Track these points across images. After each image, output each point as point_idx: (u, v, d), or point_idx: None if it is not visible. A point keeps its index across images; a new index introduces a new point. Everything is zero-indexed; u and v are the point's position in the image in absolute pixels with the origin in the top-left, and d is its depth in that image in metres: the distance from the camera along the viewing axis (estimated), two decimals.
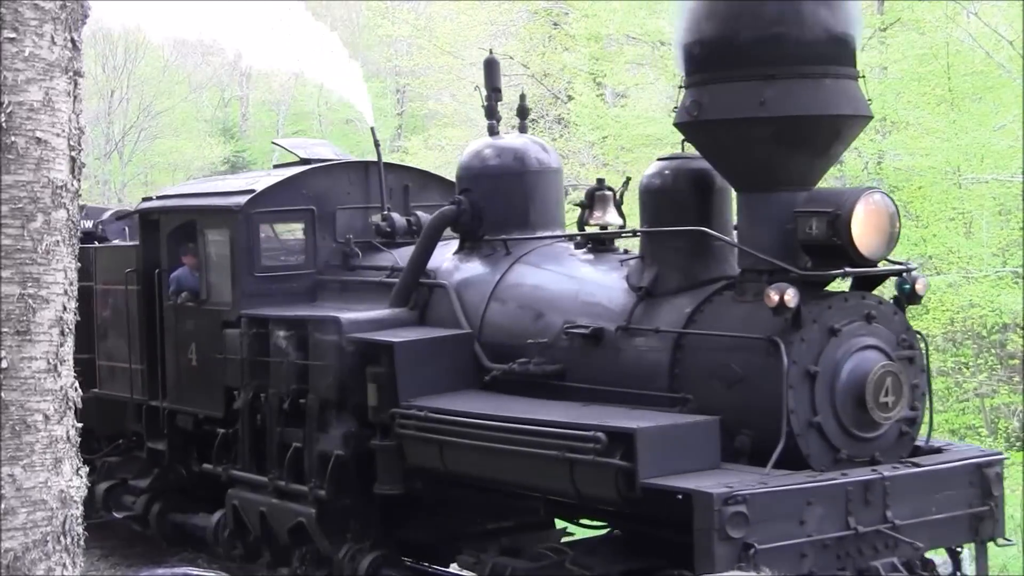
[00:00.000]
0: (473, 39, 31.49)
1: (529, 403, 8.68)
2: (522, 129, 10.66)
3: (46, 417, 4.65)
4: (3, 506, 4.53)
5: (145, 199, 13.23)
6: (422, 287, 10.11)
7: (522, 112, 10.76)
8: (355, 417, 9.82)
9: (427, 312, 10.05)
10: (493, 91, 10.62)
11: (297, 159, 12.24)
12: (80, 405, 4.87)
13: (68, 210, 4.72)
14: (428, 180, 12.26)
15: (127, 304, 12.86)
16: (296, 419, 10.37)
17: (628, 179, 9.95)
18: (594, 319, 8.72)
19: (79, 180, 4.78)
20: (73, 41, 4.71)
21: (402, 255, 10.70)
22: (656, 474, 7.35)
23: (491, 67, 10.65)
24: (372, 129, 12.45)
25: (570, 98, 26.68)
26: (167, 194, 13.11)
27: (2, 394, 4.53)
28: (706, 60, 7.70)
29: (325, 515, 10.04)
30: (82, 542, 4.87)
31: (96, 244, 14.58)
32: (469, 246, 10.21)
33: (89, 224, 17.62)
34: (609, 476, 7.51)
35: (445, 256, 10.23)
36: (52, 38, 4.62)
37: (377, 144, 11.87)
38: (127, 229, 15.58)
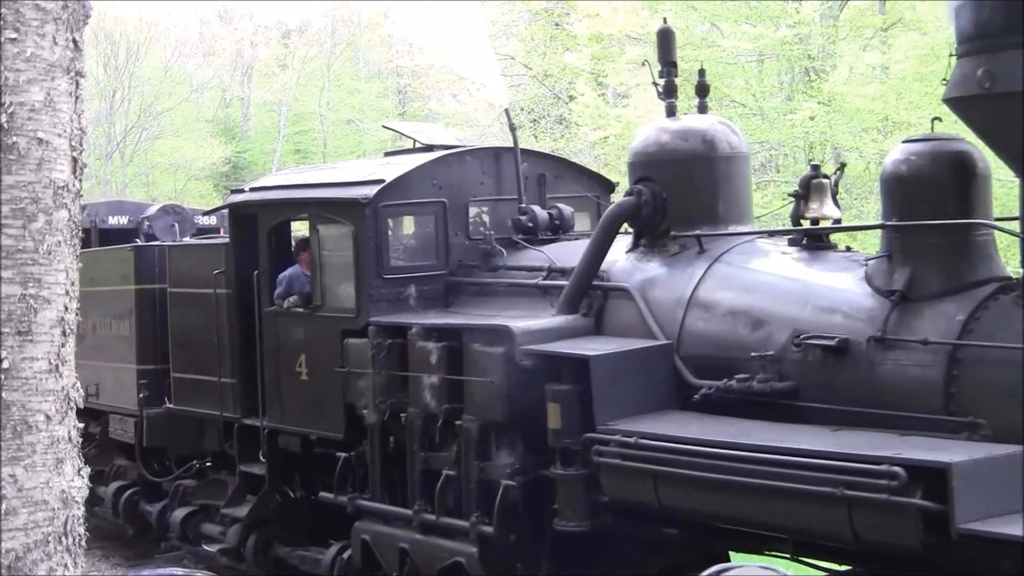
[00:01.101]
0: (474, 39, 31.41)
1: (764, 428, 7.32)
2: (702, 109, 9.23)
3: (47, 417, 4.65)
4: (4, 506, 4.53)
5: (235, 191, 11.84)
6: (595, 291, 8.83)
7: (702, 90, 9.31)
8: (522, 441, 8.60)
9: (603, 319, 8.78)
10: (668, 65, 9.15)
11: (420, 145, 10.95)
12: (81, 405, 4.87)
13: (70, 210, 4.72)
14: (563, 168, 11.00)
15: (215, 310, 11.59)
16: (445, 443, 9.12)
17: (843, 165, 9.13)
18: (834, 328, 7.45)
19: (80, 180, 4.78)
20: (75, 41, 4.71)
21: (556, 253, 9.59)
22: (976, 517, 6.07)
23: (666, 38, 9.19)
24: (506, 111, 11.12)
25: (571, 98, 26.68)
26: (262, 185, 11.61)
27: (3, 394, 4.53)
28: (1001, 23, 6.59)
29: (489, 554, 8.70)
30: (83, 542, 4.87)
31: (159, 243, 13.78)
32: (647, 243, 8.94)
33: (123, 220, 16.67)
34: (907, 520, 6.24)
35: (616, 255, 8.96)
36: (54, 38, 4.62)
37: (513, 128, 10.54)
38: (176, 226, 14.73)
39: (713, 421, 7.61)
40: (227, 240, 11.74)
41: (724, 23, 21.94)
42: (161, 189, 42.10)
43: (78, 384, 4.82)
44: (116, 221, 16.79)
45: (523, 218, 10.08)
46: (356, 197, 9.81)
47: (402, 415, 9.32)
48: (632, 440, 7.50)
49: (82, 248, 16.55)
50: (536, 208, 10.13)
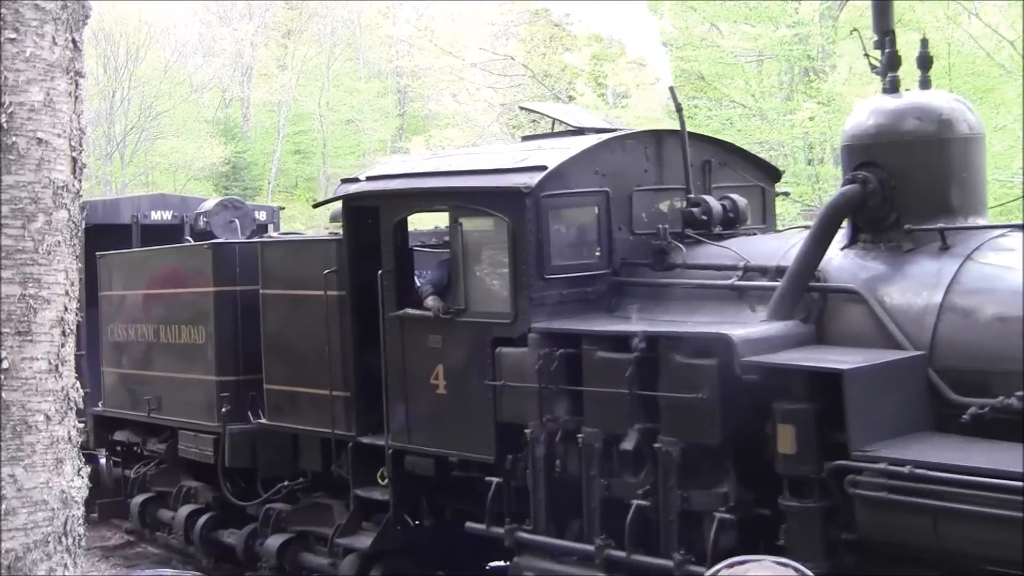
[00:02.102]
0: (474, 40, 31.51)
1: None
2: (924, 84, 7.98)
3: (47, 417, 4.65)
4: (4, 506, 4.53)
5: (346, 180, 10.44)
6: (812, 293, 7.73)
7: (924, 62, 8.05)
8: (734, 467, 7.51)
9: (823, 326, 7.68)
10: (886, 34, 8.20)
11: (567, 128, 9.88)
12: (81, 405, 4.87)
13: (69, 210, 4.71)
14: (728, 154, 9.82)
15: (325, 314, 10.26)
16: (632, 467, 7.95)
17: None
18: None
19: (80, 180, 4.77)
20: (74, 41, 4.71)
21: (743, 249, 8.51)
22: None
23: (883, 6, 8.34)
24: (671, 89, 9.76)
25: (571, 98, 26.67)
26: (383, 174, 10.16)
27: (3, 394, 4.53)
28: None
29: None
30: (83, 542, 4.87)
31: (238, 240, 12.74)
32: (868, 238, 7.80)
33: (167, 215, 15.80)
34: None
35: (829, 251, 7.84)
36: (53, 39, 4.62)
37: (679, 108, 9.29)
38: (237, 222, 13.81)
39: (994, 447, 6.53)
40: (338, 236, 10.46)
41: (724, 23, 21.95)
42: (160, 189, 42.15)
43: (78, 384, 4.82)
44: (159, 216, 16.01)
45: (695, 210, 8.93)
46: (516, 186, 8.62)
47: (579, 436, 8.15)
48: (905, 470, 6.35)
49: (122, 247, 14.02)
50: (710, 199, 9.00)
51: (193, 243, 13.33)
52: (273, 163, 45.09)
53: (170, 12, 47.62)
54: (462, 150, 14.16)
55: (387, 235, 9.66)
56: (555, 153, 8.91)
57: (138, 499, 13.62)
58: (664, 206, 9.29)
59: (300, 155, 47.81)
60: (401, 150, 38.95)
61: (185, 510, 12.73)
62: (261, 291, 11.11)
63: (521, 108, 15.34)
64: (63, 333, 4.71)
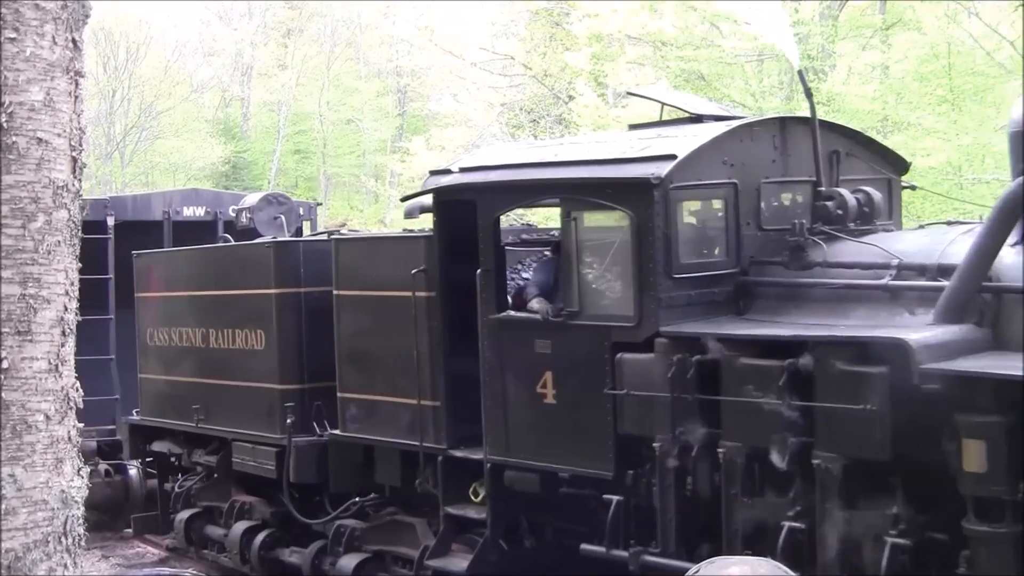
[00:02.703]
0: (474, 39, 31.53)
1: None
2: None
3: (47, 417, 4.65)
4: (4, 506, 4.53)
5: (436, 172, 9.67)
6: (984, 294, 7.05)
7: None
8: (903, 488, 6.85)
9: (1000, 329, 6.99)
10: None
11: (689, 115, 9.16)
12: (81, 405, 4.87)
13: (69, 210, 4.71)
14: (855, 143, 9.10)
15: (413, 316, 9.44)
16: (780, 485, 7.30)
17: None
18: None
19: (80, 180, 4.77)
20: (74, 41, 4.71)
21: (894, 247, 7.74)
22: None
23: None
24: (800, 73, 9.09)
25: (571, 98, 26.68)
26: (479, 165, 9.39)
27: (3, 394, 4.53)
28: None
29: None
30: (83, 542, 4.87)
31: (301, 238, 11.98)
32: None
33: (199, 211, 15.16)
34: None
35: (1002, 249, 7.10)
36: (53, 38, 4.62)
37: (810, 94, 8.64)
38: (282, 218, 12.84)
39: None
40: (427, 232, 9.65)
41: (724, 23, 21.95)
42: (160, 189, 42.19)
43: (77, 384, 4.81)
44: (191, 212, 15.31)
45: (829, 204, 8.26)
46: (643, 176, 7.90)
47: (718, 450, 7.47)
48: None
49: (152, 246, 13.63)
50: (844, 192, 8.32)
51: (251, 240, 12.29)
52: (273, 163, 45.09)
53: (170, 12, 47.65)
54: (566, 140, 12.57)
55: (485, 231, 8.92)
56: (682, 141, 8.18)
57: (183, 514, 12.66)
58: (787, 199, 8.67)
59: (300, 155, 47.82)
60: (401, 150, 38.95)
61: (240, 527, 11.86)
62: (335, 292, 10.26)
63: (629, 93, 13.94)
64: (63, 333, 4.71)
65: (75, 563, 4.76)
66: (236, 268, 11.70)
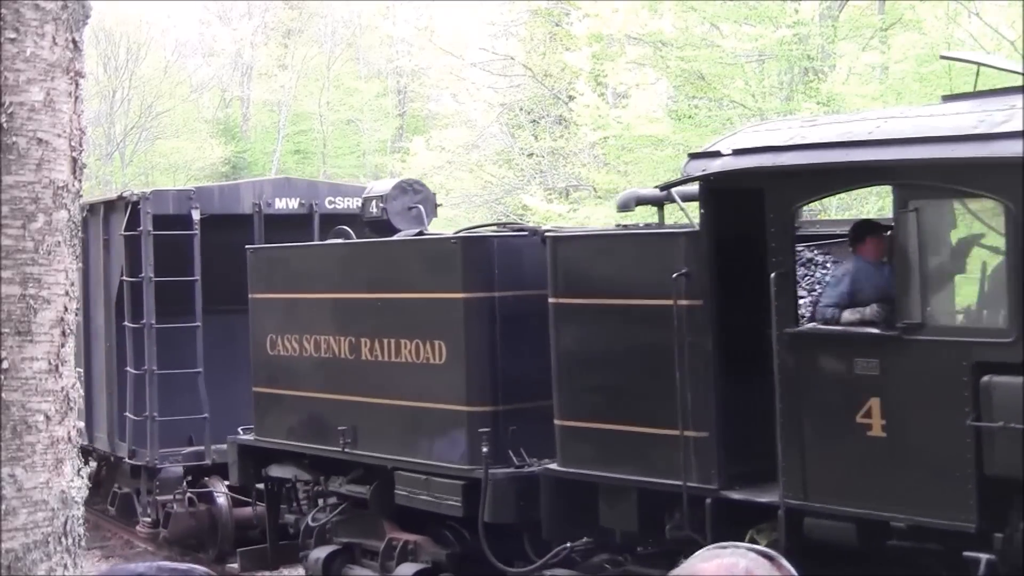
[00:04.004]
0: (474, 39, 31.52)
1: None
2: None
3: (47, 417, 4.65)
4: (4, 506, 4.53)
5: (698, 155, 8.18)
6: None
7: None
8: None
9: None
10: None
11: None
12: (81, 405, 4.87)
13: (69, 211, 4.71)
14: None
15: (675, 329, 7.92)
16: None
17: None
18: None
19: (80, 181, 4.77)
20: (74, 41, 4.71)
21: None
22: None
23: None
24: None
25: (571, 98, 26.71)
26: (761, 145, 7.79)
27: (3, 394, 4.53)
28: None
29: None
30: (83, 543, 4.87)
31: (498, 234, 9.97)
32: None
33: (293, 203, 13.79)
34: None
35: None
36: (53, 38, 4.62)
37: None
38: (421, 208, 11.09)
39: None
40: (685, 227, 8.40)
41: (724, 23, 21.96)
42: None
43: (78, 384, 4.81)
44: (284, 205, 13.87)
45: None
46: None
47: None
48: None
49: (242, 242, 12.17)
50: None
51: (430, 235, 10.55)
52: (273, 163, 45.10)
53: (170, 12, 47.67)
54: (873, 112, 10.30)
55: (779, 226, 7.42)
56: None
57: (319, 552, 10.90)
58: None
59: (300, 155, 47.83)
60: (401, 150, 38.96)
61: (408, 571, 10.06)
62: (553, 300, 8.69)
63: (943, 57, 11.97)
64: (63, 333, 4.71)
65: (75, 563, 4.76)
66: (403, 267, 10.05)
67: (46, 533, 4.64)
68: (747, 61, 22.33)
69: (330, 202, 13.80)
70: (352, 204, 13.39)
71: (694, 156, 8.24)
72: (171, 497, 13.53)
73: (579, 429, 8.61)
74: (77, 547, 4.78)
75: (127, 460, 14.05)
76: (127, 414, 13.72)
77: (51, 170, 4.62)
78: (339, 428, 10.28)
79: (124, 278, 13.70)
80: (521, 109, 30.76)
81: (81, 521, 4.84)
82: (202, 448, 13.62)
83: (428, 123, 42.79)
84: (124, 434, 13.94)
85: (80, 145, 4.75)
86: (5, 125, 4.50)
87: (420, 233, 10.64)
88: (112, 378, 14.30)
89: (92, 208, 14.61)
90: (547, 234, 9.06)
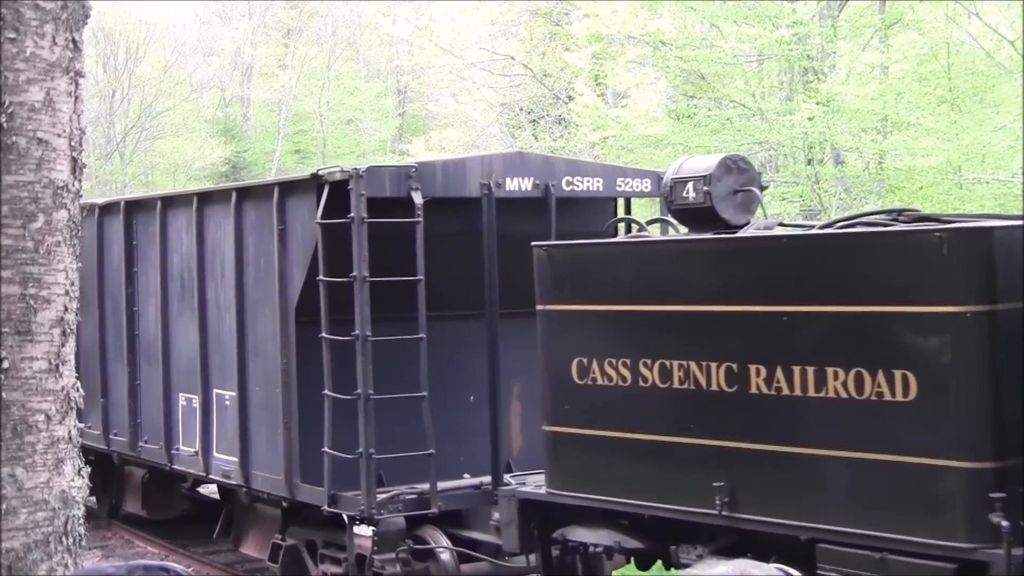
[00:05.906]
0: (474, 39, 31.52)
1: None
2: None
3: (47, 417, 4.65)
4: (4, 506, 4.53)
5: None
6: None
7: None
8: None
9: None
10: None
11: None
12: (81, 405, 4.87)
13: (69, 210, 4.71)
14: None
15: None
16: None
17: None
18: None
19: (80, 180, 4.77)
20: (74, 41, 4.71)
21: None
22: None
23: None
24: None
25: (571, 98, 26.69)
26: None
27: (3, 394, 4.53)
28: None
29: None
30: (83, 542, 4.87)
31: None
32: None
33: (527, 184, 10.60)
34: None
35: None
36: (53, 38, 4.62)
37: None
38: (756, 192, 8.81)
39: None
40: None
41: (724, 23, 21.97)
42: (160, 189, 42.20)
43: (78, 384, 4.81)
44: (515, 185, 10.78)
45: None
46: None
47: None
48: None
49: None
50: None
51: (902, 225, 7.64)
52: (273, 163, 45.10)
53: (170, 12, 47.67)
54: None
55: None
56: None
57: None
58: None
59: (300, 155, 47.83)
60: (401, 151, 38.97)
61: None
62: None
63: None
64: (63, 333, 4.71)
65: (76, 563, 4.76)
66: (835, 269, 7.53)
67: (46, 533, 4.64)
68: (746, 61, 22.33)
69: (568, 183, 10.93)
70: (594, 186, 10.96)
71: None
72: (393, 555, 10.41)
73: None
74: (77, 547, 4.78)
75: (327, 508, 10.41)
76: (326, 450, 10.21)
77: (51, 170, 4.62)
78: (714, 484, 7.86)
79: (322, 278, 10.21)
80: (521, 109, 30.75)
81: (81, 521, 4.84)
82: (426, 492, 10.29)
83: (428, 123, 42.81)
84: (310, 473, 10.61)
85: (80, 145, 4.75)
86: (5, 125, 4.50)
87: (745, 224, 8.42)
88: (290, 404, 10.81)
89: (250, 192, 11.71)
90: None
